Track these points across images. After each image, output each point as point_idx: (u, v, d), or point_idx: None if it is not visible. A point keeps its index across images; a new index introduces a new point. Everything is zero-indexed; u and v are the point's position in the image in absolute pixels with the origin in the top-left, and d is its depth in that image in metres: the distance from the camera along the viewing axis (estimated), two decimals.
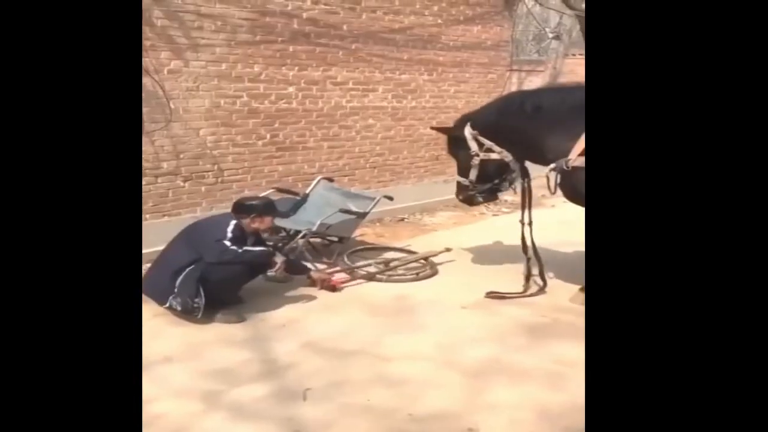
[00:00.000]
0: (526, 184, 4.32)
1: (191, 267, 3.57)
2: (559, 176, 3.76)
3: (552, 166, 3.77)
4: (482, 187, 4.33)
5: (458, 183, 4.47)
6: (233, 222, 3.69)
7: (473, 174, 4.27)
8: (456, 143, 4.35)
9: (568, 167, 3.66)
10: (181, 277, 3.55)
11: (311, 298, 4.06)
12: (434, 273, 4.59)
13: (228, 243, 3.58)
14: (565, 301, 4.05)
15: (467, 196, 4.44)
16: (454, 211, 6.51)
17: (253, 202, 3.89)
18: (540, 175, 4.02)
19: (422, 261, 4.74)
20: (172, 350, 3.24)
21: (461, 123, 4.32)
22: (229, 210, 3.96)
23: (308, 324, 3.65)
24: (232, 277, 3.69)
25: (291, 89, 5.55)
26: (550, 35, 9.98)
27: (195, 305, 3.53)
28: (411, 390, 2.90)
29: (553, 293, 4.23)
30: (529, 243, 4.32)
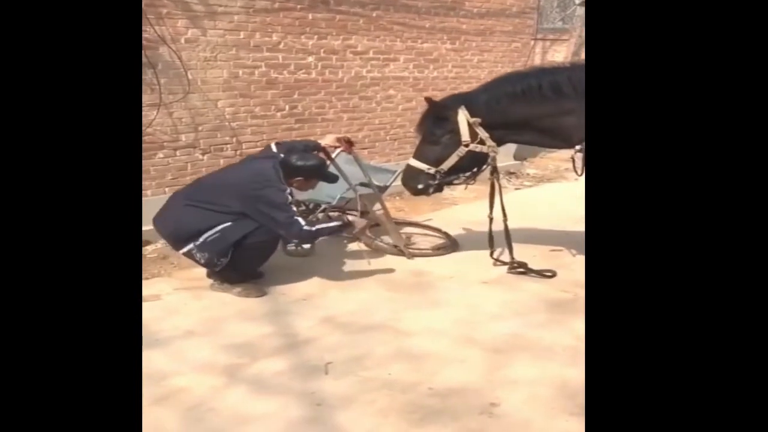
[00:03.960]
0: (495, 180, 4.00)
1: (227, 225, 3.48)
2: (584, 157, 3.61)
3: (578, 147, 3.63)
4: (448, 178, 3.93)
5: (414, 168, 3.94)
6: (288, 190, 3.54)
7: (449, 164, 3.84)
8: (438, 124, 3.84)
9: None
10: (215, 233, 3.47)
11: (331, 272, 4.05)
12: (454, 248, 4.54)
13: (302, 221, 3.51)
14: None
15: (427, 185, 3.95)
16: (475, 184, 6.42)
17: (304, 164, 3.63)
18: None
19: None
20: (193, 324, 3.26)
21: (453, 103, 3.84)
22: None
23: (328, 299, 3.65)
24: (269, 247, 3.65)
25: (310, 59, 5.45)
26: (576, 1, 9.66)
27: (218, 263, 3.53)
28: (432, 365, 2.89)
29: (576, 268, 4.16)
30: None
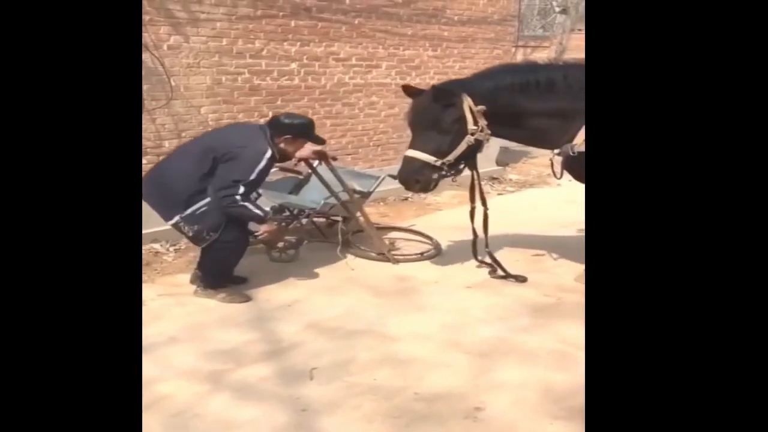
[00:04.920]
0: (475, 175, 3.90)
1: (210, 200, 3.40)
2: (563, 161, 3.62)
3: (557, 151, 3.60)
4: (450, 171, 3.67)
5: (417, 160, 3.60)
6: (269, 153, 3.44)
7: (455, 154, 3.59)
8: (444, 111, 3.55)
9: (574, 153, 3.43)
10: (203, 205, 3.39)
11: (315, 278, 4.05)
12: (438, 253, 4.57)
13: (241, 188, 3.33)
14: (570, 280, 4.03)
15: (430, 179, 3.66)
16: (458, 190, 6.46)
17: (291, 122, 3.59)
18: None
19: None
20: (176, 330, 3.23)
21: (452, 90, 3.58)
22: None
23: (313, 304, 3.64)
24: (239, 246, 3.57)
25: (293, 66, 5.46)
26: (557, 9, 9.81)
27: (207, 237, 3.45)
28: (417, 370, 2.90)
29: (558, 272, 4.21)
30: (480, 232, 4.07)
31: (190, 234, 3.47)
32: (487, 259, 4.18)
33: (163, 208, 3.47)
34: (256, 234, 3.54)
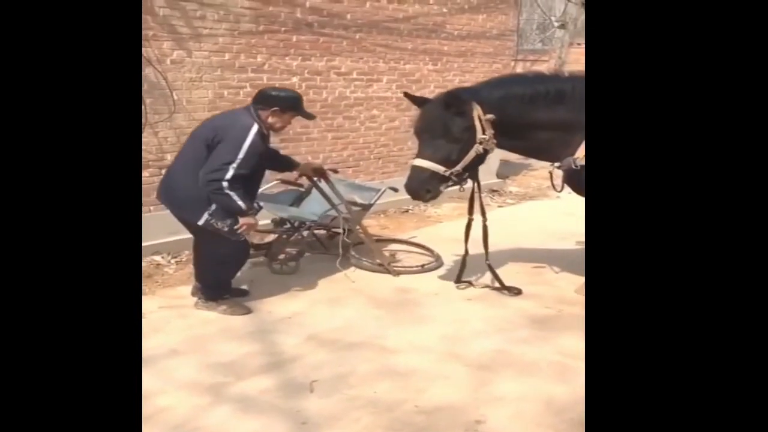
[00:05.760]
0: (476, 186, 3.88)
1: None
2: (564, 174, 3.62)
3: (557, 164, 3.59)
4: (457, 182, 3.62)
5: (425, 170, 3.51)
6: (255, 128, 3.33)
7: (464, 164, 3.53)
8: (454, 119, 3.47)
9: (577, 166, 3.40)
10: None
11: (316, 290, 4.06)
12: (439, 265, 4.58)
13: (230, 172, 3.23)
14: (570, 292, 4.03)
15: (438, 190, 3.62)
16: (459, 202, 6.48)
17: (277, 94, 3.52)
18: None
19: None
20: (177, 343, 3.24)
21: (463, 97, 3.50)
22: None
23: (313, 316, 3.65)
24: (237, 257, 3.57)
25: (294, 80, 5.51)
26: (555, 24, 9.90)
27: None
28: (417, 382, 2.90)
29: (558, 285, 4.22)
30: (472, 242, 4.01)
31: (226, 229, 3.39)
32: (482, 278, 4.17)
33: (189, 210, 3.43)
34: (235, 227, 3.45)
